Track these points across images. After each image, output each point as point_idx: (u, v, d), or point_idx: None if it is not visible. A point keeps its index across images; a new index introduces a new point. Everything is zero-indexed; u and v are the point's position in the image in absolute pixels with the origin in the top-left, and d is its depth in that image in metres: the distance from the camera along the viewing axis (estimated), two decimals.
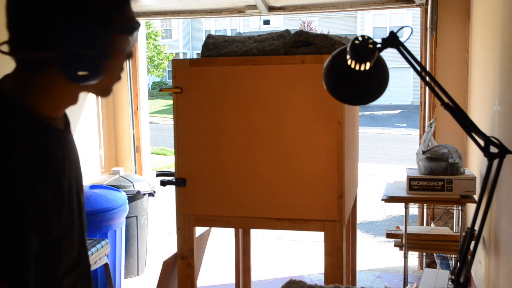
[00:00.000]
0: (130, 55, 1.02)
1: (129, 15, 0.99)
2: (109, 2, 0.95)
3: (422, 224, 4.30)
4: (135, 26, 0.99)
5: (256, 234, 5.11)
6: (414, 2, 4.19)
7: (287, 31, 2.38)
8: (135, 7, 1.01)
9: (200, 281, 2.84)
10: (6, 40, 0.95)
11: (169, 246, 4.41)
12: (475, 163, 3.60)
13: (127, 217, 3.93)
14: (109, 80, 1.01)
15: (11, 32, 0.95)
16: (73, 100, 1.03)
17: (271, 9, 4.49)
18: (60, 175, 0.99)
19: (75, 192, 1.09)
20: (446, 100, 1.37)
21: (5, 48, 0.95)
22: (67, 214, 1.01)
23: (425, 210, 4.26)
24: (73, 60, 0.92)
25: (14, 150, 0.89)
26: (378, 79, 1.42)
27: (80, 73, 0.92)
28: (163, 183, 2.33)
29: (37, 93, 0.97)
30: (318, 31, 25.41)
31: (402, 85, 23.45)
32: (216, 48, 2.33)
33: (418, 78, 1.99)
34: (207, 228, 2.76)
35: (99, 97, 1.57)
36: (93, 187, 3.80)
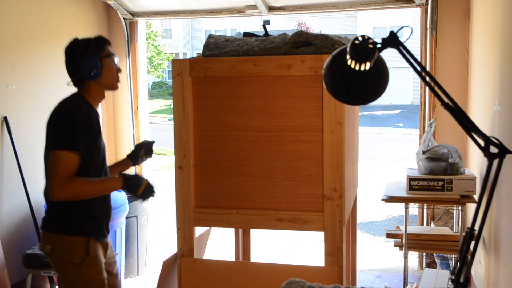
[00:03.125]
0: (114, 63, 2.30)
1: (107, 50, 2.28)
2: (97, 46, 2.28)
3: (422, 224, 4.30)
4: (110, 54, 2.29)
5: (256, 234, 5.12)
6: (414, 2, 4.19)
7: (285, 34, 2.38)
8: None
9: None
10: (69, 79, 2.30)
11: (169, 246, 4.41)
12: (475, 163, 3.60)
13: (127, 217, 3.93)
14: (108, 77, 2.27)
15: (69, 73, 2.30)
16: (100, 96, 2.31)
17: (271, 9, 4.49)
18: (94, 123, 2.21)
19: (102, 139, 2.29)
20: (446, 100, 1.37)
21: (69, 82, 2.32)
22: (101, 140, 2.26)
23: (425, 210, 4.26)
24: (89, 72, 2.21)
25: (78, 106, 2.20)
26: (378, 79, 1.42)
27: (94, 74, 2.21)
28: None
29: (85, 92, 2.27)
30: (317, 31, 25.37)
31: (402, 85, 23.44)
32: (217, 47, 2.34)
33: (418, 78, 2.00)
34: (207, 228, 2.76)
35: (111, 91, 2.33)
36: None
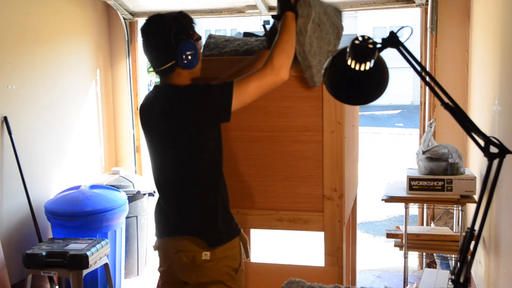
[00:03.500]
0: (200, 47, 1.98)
1: (195, 31, 1.95)
2: (189, 28, 1.92)
3: (422, 224, 4.30)
4: (199, 36, 1.96)
5: (256, 234, 5.11)
6: (414, 2, 4.19)
7: None
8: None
9: None
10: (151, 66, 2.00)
11: None
12: (475, 163, 3.60)
13: (127, 217, 3.93)
14: (199, 64, 1.96)
15: (153, 62, 1.97)
16: (196, 75, 1.98)
17: (271, 9, 4.49)
18: None
19: None
20: (446, 100, 1.37)
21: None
22: None
23: (425, 210, 4.25)
24: (185, 61, 1.88)
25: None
26: (378, 79, 1.42)
27: (188, 61, 1.88)
28: None
29: (176, 81, 1.93)
30: None
31: (402, 85, 23.43)
32: (217, 47, 2.33)
33: (418, 78, 2.00)
34: None
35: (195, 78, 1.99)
36: (93, 187, 3.80)
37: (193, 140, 1.88)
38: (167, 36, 1.86)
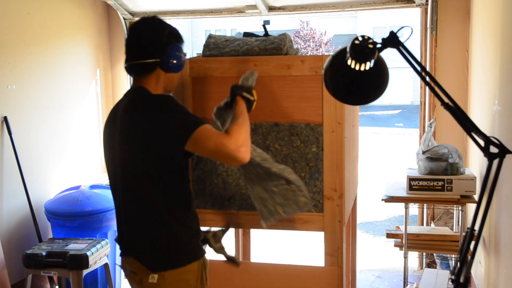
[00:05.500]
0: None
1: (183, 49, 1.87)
2: (181, 39, 1.86)
3: (422, 224, 4.30)
4: (185, 53, 1.88)
5: (256, 235, 5.11)
6: (414, 2, 4.19)
7: (285, 34, 2.37)
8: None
9: None
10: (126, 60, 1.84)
11: None
12: (475, 163, 3.60)
13: None
14: (176, 77, 1.89)
15: (135, 54, 1.80)
16: (170, 88, 1.88)
17: (271, 9, 4.49)
18: None
19: None
20: (446, 100, 1.37)
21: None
22: None
23: (425, 210, 4.25)
24: (171, 61, 1.79)
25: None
26: (378, 79, 1.42)
27: (173, 65, 1.79)
28: None
29: (148, 84, 1.81)
30: (317, 31, 25.16)
31: (402, 85, 23.43)
32: (217, 47, 2.33)
33: (418, 78, 2.00)
34: (207, 228, 2.76)
35: (166, 92, 1.88)
36: (93, 187, 3.80)
37: (154, 151, 1.72)
38: (160, 33, 1.79)
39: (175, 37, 1.83)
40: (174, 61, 1.79)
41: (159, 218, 1.75)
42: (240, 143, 1.67)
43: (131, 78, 1.89)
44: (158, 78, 1.81)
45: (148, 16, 1.88)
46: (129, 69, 1.82)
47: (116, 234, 1.95)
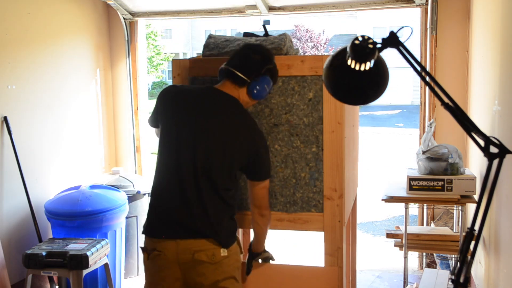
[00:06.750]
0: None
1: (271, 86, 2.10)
2: (275, 76, 2.11)
3: (422, 224, 4.30)
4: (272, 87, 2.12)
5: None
6: (414, 2, 4.19)
7: (285, 34, 2.38)
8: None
9: None
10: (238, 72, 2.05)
11: None
12: (475, 163, 3.60)
13: (127, 217, 3.93)
14: (253, 103, 2.15)
15: (239, 65, 2.04)
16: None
17: (271, 9, 4.49)
18: None
19: None
20: (446, 100, 1.37)
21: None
22: None
23: (425, 210, 4.25)
24: (256, 87, 2.03)
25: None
26: (378, 79, 1.42)
27: (256, 91, 2.04)
28: None
29: (237, 95, 2.07)
30: (316, 31, 25.13)
31: (402, 85, 23.43)
32: (217, 47, 2.33)
33: (418, 78, 2.00)
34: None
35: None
36: (93, 187, 3.80)
37: (233, 149, 2.01)
38: (264, 64, 2.04)
39: (271, 74, 2.07)
40: (258, 90, 2.03)
41: (226, 203, 2.05)
42: (267, 214, 2.15)
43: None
44: (243, 93, 2.06)
45: (268, 48, 2.14)
46: (226, 72, 2.06)
47: (159, 218, 2.07)
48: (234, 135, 2.01)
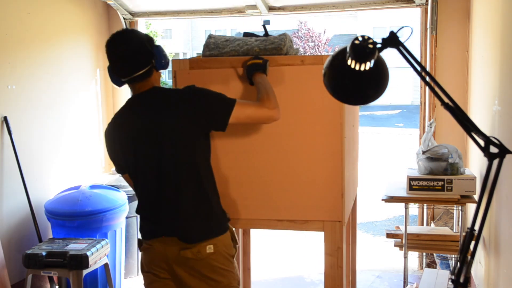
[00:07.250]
0: None
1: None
2: (152, 38, 2.06)
3: (422, 224, 4.30)
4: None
5: (257, 235, 5.11)
6: (414, 2, 4.19)
7: (285, 34, 2.38)
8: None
9: None
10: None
11: None
12: (475, 163, 3.60)
13: (127, 217, 3.93)
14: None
15: (131, 69, 1.99)
16: (158, 82, 2.09)
17: (271, 9, 4.49)
18: None
19: None
20: (446, 100, 1.37)
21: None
22: None
23: (425, 210, 4.25)
24: (163, 61, 2.02)
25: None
26: (378, 79, 1.42)
27: (166, 62, 2.03)
28: None
29: (156, 83, 2.06)
30: (316, 31, 25.14)
31: (402, 85, 23.44)
32: (217, 47, 2.33)
33: (418, 78, 1.99)
34: None
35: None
36: (93, 187, 3.80)
37: (194, 138, 1.98)
38: (142, 42, 1.99)
39: (152, 41, 2.05)
40: (166, 60, 2.04)
41: (206, 194, 2.01)
42: (273, 106, 2.02)
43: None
44: (155, 77, 2.06)
45: (120, 31, 2.05)
46: (130, 81, 2.03)
47: (144, 219, 2.10)
48: (175, 115, 1.96)
